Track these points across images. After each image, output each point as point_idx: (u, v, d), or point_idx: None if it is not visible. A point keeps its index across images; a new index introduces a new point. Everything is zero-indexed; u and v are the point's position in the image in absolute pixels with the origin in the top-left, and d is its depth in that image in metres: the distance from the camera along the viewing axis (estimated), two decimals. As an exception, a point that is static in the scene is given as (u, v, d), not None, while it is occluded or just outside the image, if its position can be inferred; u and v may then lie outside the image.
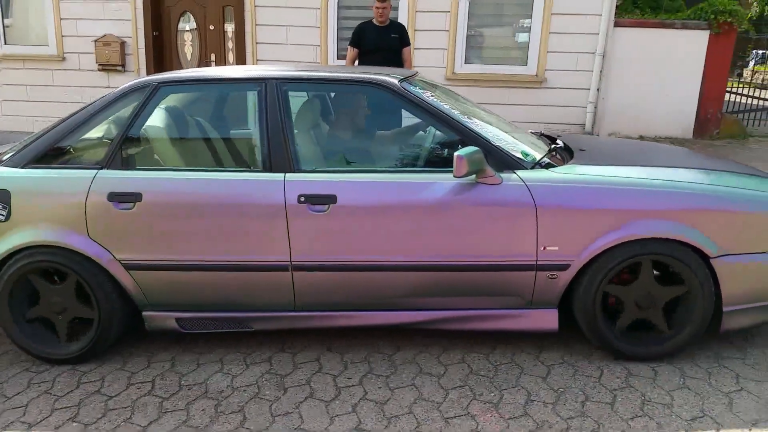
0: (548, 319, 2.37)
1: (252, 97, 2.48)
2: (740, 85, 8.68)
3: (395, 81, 2.45)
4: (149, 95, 2.43)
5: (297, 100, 2.61)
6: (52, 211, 2.33)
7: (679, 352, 2.37)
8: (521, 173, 2.28)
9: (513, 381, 2.26)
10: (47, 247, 2.33)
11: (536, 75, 6.03)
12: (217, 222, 2.30)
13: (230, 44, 6.46)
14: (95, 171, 2.34)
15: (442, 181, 2.28)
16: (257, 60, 6.31)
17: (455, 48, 6.11)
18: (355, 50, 4.59)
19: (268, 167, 2.33)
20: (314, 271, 2.32)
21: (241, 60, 6.37)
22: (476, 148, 2.20)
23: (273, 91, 2.40)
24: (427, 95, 2.47)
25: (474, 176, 2.23)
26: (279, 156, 2.33)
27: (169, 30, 6.53)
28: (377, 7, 4.53)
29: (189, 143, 2.67)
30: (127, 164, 2.39)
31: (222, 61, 6.48)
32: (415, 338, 2.56)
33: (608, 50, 5.92)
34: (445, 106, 2.45)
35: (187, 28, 6.54)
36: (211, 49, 6.49)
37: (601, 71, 5.92)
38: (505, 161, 2.30)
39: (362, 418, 2.06)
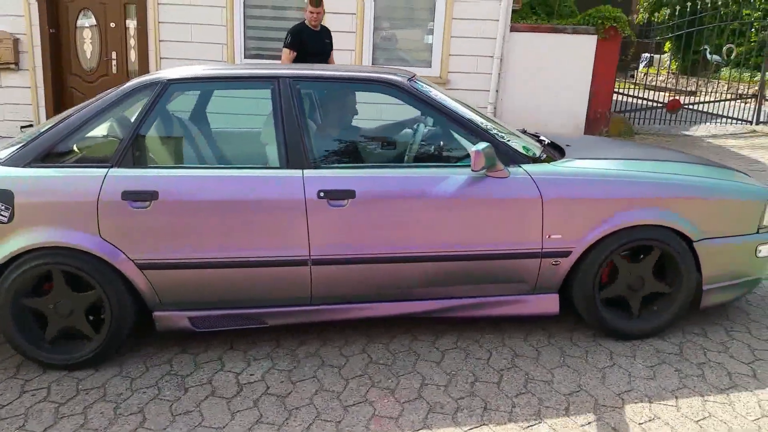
0: (550, 303, 2.55)
1: (265, 95, 2.48)
2: (629, 86, 9.28)
3: (404, 80, 2.56)
4: (159, 93, 2.41)
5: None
6: (60, 212, 2.24)
7: (669, 326, 2.61)
8: (526, 167, 2.45)
9: (410, 367, 2.39)
10: (56, 249, 2.25)
11: (440, 77, 6.24)
12: (236, 219, 2.30)
13: (132, 42, 6.30)
14: (105, 169, 2.29)
15: (455, 174, 2.40)
16: (161, 58, 6.19)
17: (362, 49, 6.22)
18: (294, 53, 4.61)
19: (285, 164, 2.37)
20: (332, 264, 2.37)
21: (143, 58, 6.22)
22: (488, 143, 2.34)
23: (287, 88, 2.43)
24: (434, 93, 2.59)
25: (483, 171, 2.35)
26: (296, 152, 2.37)
27: (67, 27, 6.29)
28: (312, 12, 4.59)
29: (202, 141, 2.67)
30: (140, 162, 2.36)
31: (123, 59, 6.30)
32: (319, 332, 2.65)
33: (505, 54, 6.21)
34: (452, 103, 2.58)
35: (87, 24, 6.32)
36: (112, 47, 6.31)
37: (499, 74, 6.20)
38: (510, 156, 2.46)
39: (263, 412, 2.13)
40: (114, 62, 6.31)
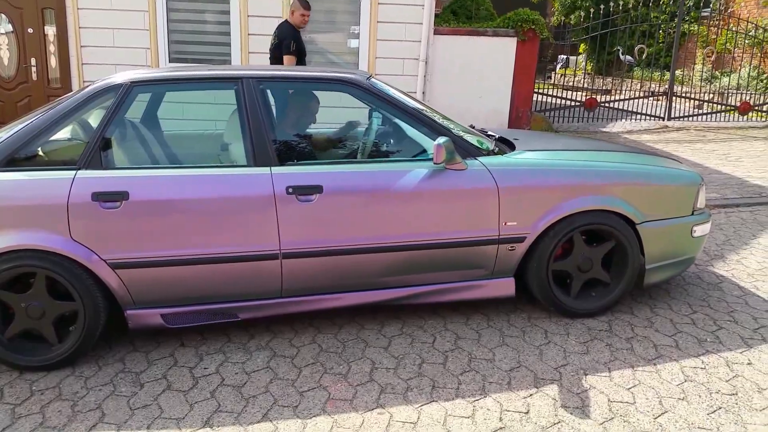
0: (507, 287, 2.71)
1: (229, 95, 2.52)
2: (547, 87, 9.73)
3: (363, 79, 2.66)
4: (123, 94, 2.41)
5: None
6: (29, 215, 2.22)
7: (617, 304, 2.83)
8: (482, 159, 2.59)
9: (359, 354, 2.49)
10: (25, 252, 2.22)
11: (368, 78, 6.38)
12: (207, 216, 2.34)
13: (52, 48, 6.11)
14: (73, 172, 2.27)
15: (416, 168, 2.50)
16: (83, 64, 6.04)
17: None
18: (295, 58, 4.62)
19: (253, 162, 2.42)
20: (302, 257, 2.44)
21: (64, 65, 6.05)
22: (447, 138, 2.46)
23: (250, 89, 2.48)
24: (392, 92, 2.69)
25: (444, 164, 2.46)
26: (262, 151, 2.42)
27: (-19, 34, 6.04)
28: (305, 15, 4.65)
29: (169, 141, 2.68)
30: (108, 164, 2.35)
31: (44, 65, 6.10)
32: (268, 326, 2.71)
33: (430, 56, 6.42)
34: (410, 100, 2.69)
35: (2, 31, 6.09)
36: (30, 53, 6.10)
37: (425, 75, 6.41)
38: (467, 149, 2.60)
39: (221, 402, 2.18)
40: (34, 69, 6.10)
